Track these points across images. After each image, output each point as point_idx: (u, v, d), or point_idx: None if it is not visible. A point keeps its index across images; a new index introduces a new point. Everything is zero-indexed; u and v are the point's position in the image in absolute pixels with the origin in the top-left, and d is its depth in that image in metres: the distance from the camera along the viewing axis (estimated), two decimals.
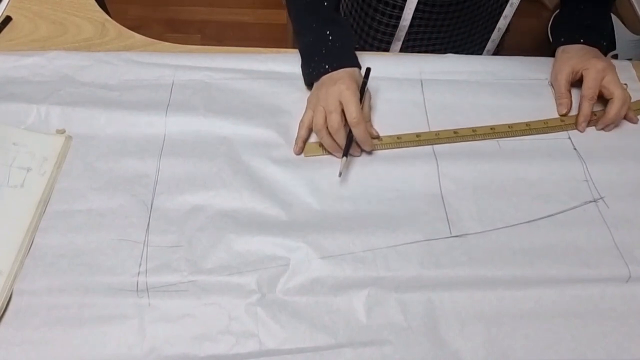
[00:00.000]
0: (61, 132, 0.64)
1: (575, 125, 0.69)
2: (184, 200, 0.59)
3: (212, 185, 0.61)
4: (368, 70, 0.67)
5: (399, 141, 0.66)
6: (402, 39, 0.83)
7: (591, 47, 0.73)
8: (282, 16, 1.85)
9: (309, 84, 0.70)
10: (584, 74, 0.70)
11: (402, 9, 0.79)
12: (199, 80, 0.71)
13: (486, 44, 0.88)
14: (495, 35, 0.85)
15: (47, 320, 0.51)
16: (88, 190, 0.60)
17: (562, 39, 0.75)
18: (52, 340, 0.50)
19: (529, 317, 0.53)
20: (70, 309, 0.51)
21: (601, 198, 0.63)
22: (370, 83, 0.69)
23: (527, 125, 0.69)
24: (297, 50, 0.76)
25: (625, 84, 0.70)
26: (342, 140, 0.62)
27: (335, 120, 0.62)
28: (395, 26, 0.82)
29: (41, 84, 0.69)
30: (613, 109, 0.68)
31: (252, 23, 1.93)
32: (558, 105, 0.71)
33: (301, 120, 0.66)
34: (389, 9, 0.80)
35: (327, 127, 0.62)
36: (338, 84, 0.63)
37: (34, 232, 0.56)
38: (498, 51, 0.90)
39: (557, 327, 0.53)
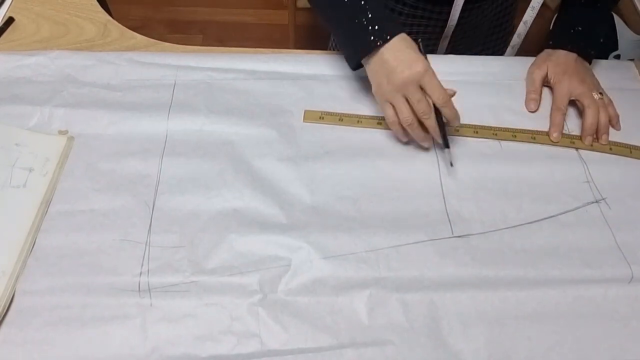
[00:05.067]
0: (63, 132, 0.64)
1: (547, 134, 0.68)
2: (185, 201, 0.59)
3: (214, 185, 0.61)
4: (419, 44, 0.64)
5: None
6: (449, 37, 0.82)
7: (575, 55, 0.72)
8: (284, 17, 1.85)
9: (356, 64, 0.66)
10: (553, 87, 0.70)
11: (450, 4, 0.78)
12: (201, 80, 0.71)
13: (503, 51, 0.88)
14: (516, 41, 0.85)
15: (49, 320, 0.51)
16: (90, 191, 0.60)
17: (551, 42, 0.75)
18: (55, 340, 0.50)
19: (531, 318, 0.53)
20: (72, 309, 0.51)
21: (603, 199, 0.63)
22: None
23: (532, 137, 0.68)
24: (298, 51, 0.76)
25: (600, 93, 0.69)
26: (434, 125, 0.61)
27: (424, 106, 0.60)
28: (444, 26, 0.81)
29: (44, 84, 0.69)
30: (587, 120, 0.67)
31: (254, 23, 1.94)
32: (528, 100, 0.71)
33: (387, 120, 0.63)
34: (437, 7, 0.79)
35: (417, 117, 0.61)
36: (412, 68, 0.59)
37: (36, 232, 0.56)
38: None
39: (560, 328, 0.53)
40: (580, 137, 0.68)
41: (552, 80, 0.71)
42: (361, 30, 0.62)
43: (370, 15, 0.62)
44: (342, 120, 0.68)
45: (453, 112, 0.62)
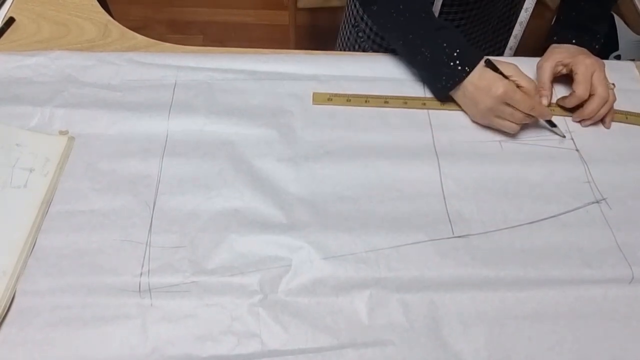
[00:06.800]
0: (64, 133, 0.64)
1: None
2: (186, 201, 0.60)
3: (214, 185, 0.61)
4: (489, 61, 0.67)
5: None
6: None
7: (581, 47, 0.72)
8: (284, 17, 1.85)
9: (444, 96, 0.70)
10: (574, 69, 0.70)
11: None
12: (202, 80, 0.71)
13: (504, 50, 0.88)
14: (513, 42, 0.85)
15: (50, 320, 0.51)
16: (90, 191, 0.60)
17: (555, 37, 0.75)
18: (55, 340, 0.50)
19: (531, 319, 0.53)
20: (73, 309, 0.51)
21: (603, 199, 0.63)
22: (372, 84, 0.69)
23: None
24: (298, 51, 0.76)
25: (613, 84, 0.70)
26: (536, 120, 0.68)
27: (519, 115, 0.65)
28: None
29: (45, 85, 0.69)
30: (591, 105, 0.68)
31: (255, 24, 1.94)
32: (539, 96, 0.70)
33: (507, 130, 0.67)
34: None
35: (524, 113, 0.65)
36: (490, 93, 0.64)
37: (37, 232, 0.56)
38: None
39: (560, 329, 0.53)
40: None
41: (570, 63, 0.70)
42: (448, 69, 0.67)
43: (448, 52, 0.67)
44: (349, 100, 0.70)
45: (540, 112, 0.66)
